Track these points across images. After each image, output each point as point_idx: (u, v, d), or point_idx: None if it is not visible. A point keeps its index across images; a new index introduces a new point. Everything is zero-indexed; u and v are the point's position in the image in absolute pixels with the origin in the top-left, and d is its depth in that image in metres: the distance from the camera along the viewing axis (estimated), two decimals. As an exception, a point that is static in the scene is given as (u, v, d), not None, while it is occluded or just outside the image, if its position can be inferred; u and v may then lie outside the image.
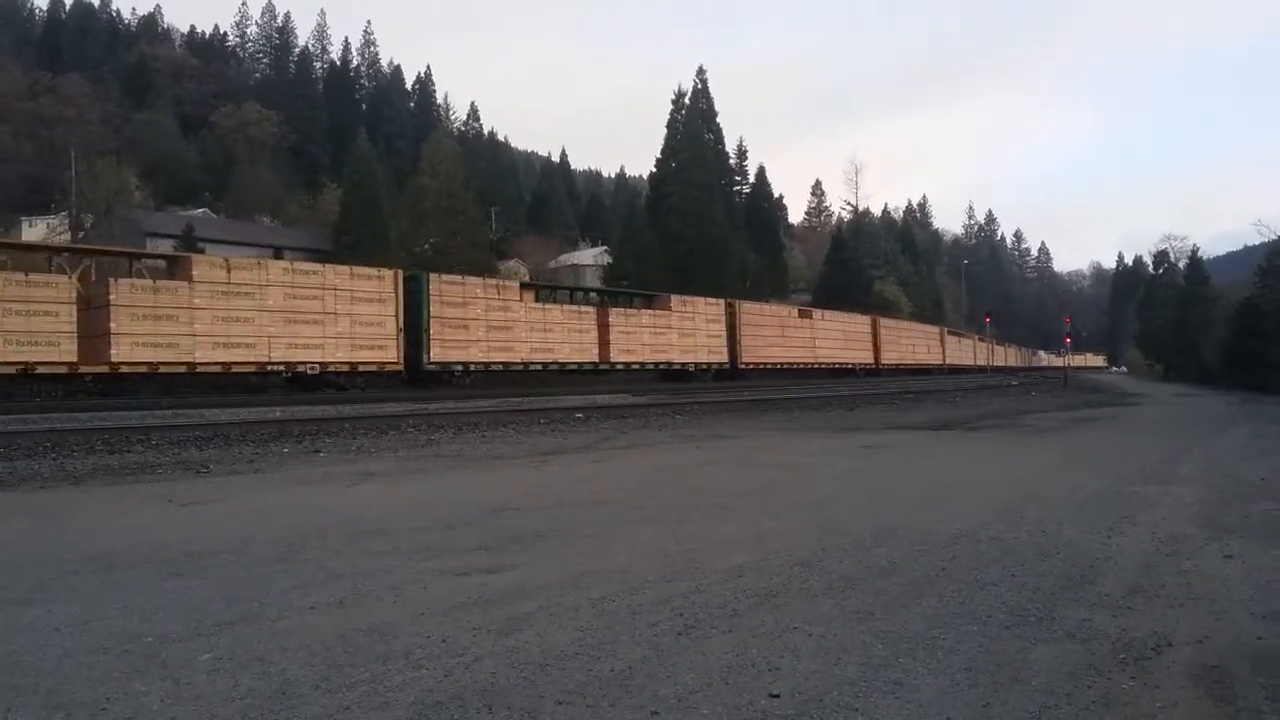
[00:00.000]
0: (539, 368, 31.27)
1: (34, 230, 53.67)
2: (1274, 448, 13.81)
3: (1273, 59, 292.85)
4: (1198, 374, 56.43)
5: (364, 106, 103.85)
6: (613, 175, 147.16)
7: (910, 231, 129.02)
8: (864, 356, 52.44)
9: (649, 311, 36.79)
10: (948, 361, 67.92)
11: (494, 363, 29.67)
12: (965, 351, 76.73)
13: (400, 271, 28.57)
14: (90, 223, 53.26)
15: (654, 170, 73.81)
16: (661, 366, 36.26)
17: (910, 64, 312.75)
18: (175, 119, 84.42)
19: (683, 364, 37.16)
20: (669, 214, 65.56)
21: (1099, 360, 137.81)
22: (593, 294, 39.85)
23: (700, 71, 79.41)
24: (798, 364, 44.86)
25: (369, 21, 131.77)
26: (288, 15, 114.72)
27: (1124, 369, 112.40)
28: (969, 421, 18.62)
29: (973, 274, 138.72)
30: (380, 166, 68.10)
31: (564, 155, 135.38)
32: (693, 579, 4.83)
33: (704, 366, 38.18)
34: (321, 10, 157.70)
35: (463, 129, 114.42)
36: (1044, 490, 8.54)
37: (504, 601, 4.37)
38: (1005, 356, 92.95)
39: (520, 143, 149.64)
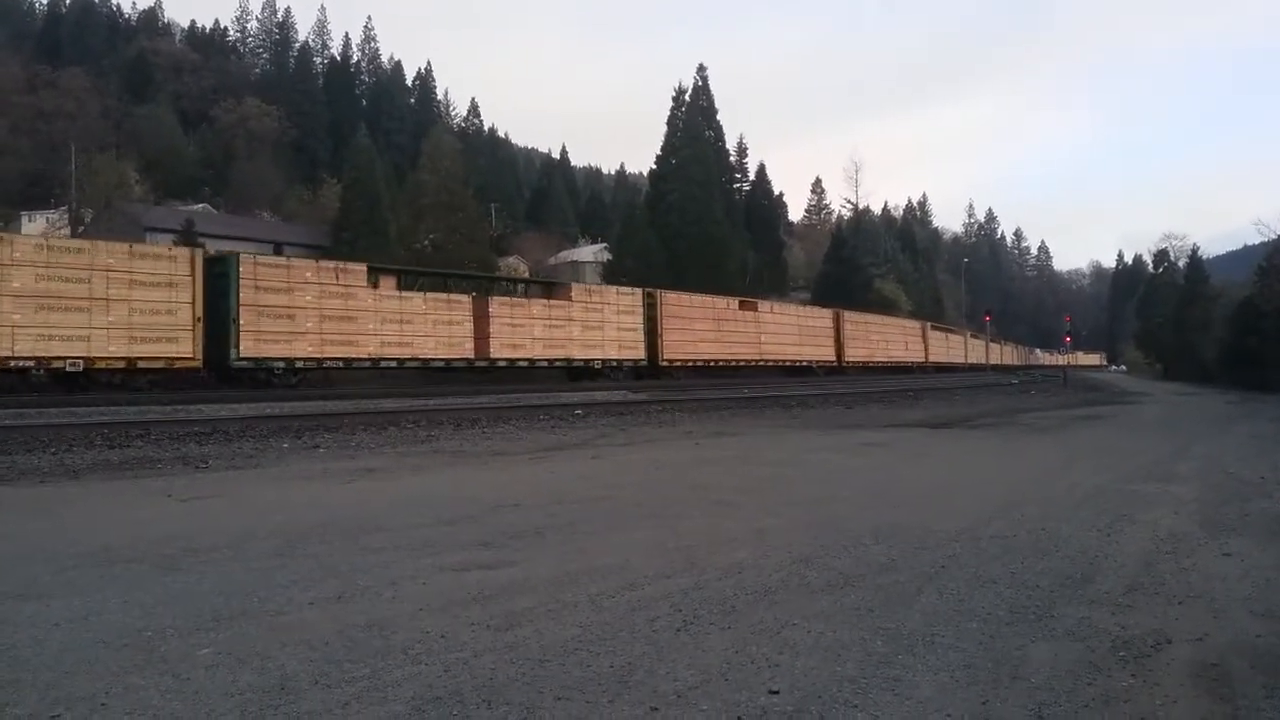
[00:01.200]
0: (393, 364, 27.19)
1: (33, 225, 53.65)
2: (1272, 447, 13.81)
3: (1273, 58, 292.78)
4: (1197, 373, 56.39)
5: (364, 102, 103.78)
6: (613, 172, 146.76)
7: (910, 230, 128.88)
8: (824, 353, 47.69)
9: (543, 301, 32.52)
10: (931, 359, 63.27)
11: (330, 358, 25.73)
12: (954, 349, 72.48)
13: (199, 251, 25.47)
14: (90, 217, 53.25)
15: (654, 167, 73.77)
16: (559, 363, 32.00)
17: (911, 62, 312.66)
18: (175, 114, 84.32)
19: (586, 360, 32.60)
20: (669, 211, 65.58)
21: (1098, 359, 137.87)
22: (474, 281, 35.21)
23: (701, 69, 79.32)
24: (738, 361, 40.19)
25: (369, 17, 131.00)
26: (288, 10, 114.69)
27: (1123, 368, 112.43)
28: (968, 419, 18.63)
29: (973, 272, 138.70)
30: (380, 162, 67.99)
31: (564, 152, 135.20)
32: (692, 575, 4.83)
33: (614, 363, 33.95)
34: (322, 5, 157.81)
35: (463, 125, 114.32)
36: (1043, 488, 8.55)
37: (503, 597, 4.37)
38: (1003, 355, 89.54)
39: (520, 139, 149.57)
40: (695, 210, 64.78)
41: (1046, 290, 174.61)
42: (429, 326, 27.92)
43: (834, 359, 48.48)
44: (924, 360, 61.60)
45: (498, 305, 30.33)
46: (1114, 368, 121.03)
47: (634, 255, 60.70)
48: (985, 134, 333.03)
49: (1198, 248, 78.39)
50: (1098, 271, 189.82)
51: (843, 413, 20.14)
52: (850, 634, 3.83)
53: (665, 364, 35.79)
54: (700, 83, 78.25)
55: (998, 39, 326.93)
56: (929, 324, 67.46)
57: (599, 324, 33.54)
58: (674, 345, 36.57)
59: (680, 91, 74.79)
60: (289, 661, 3.44)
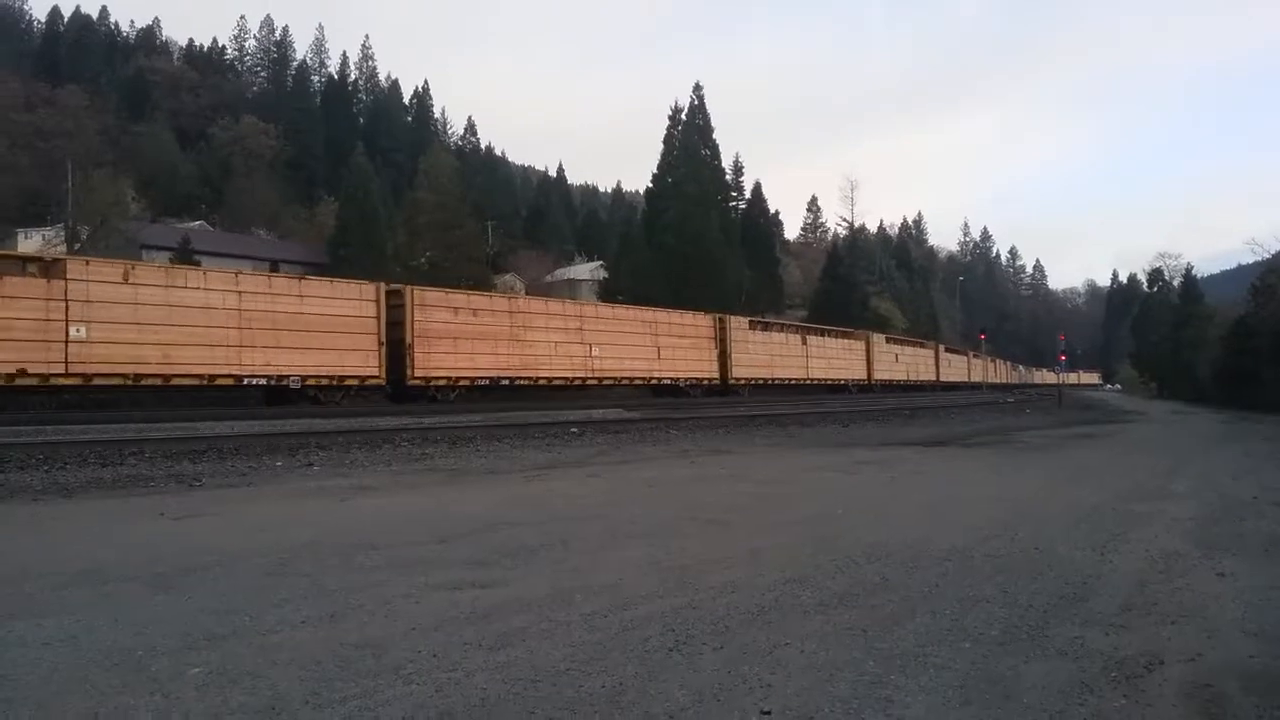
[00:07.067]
0: None
1: (30, 242, 53.63)
2: (1266, 466, 13.83)
3: (1266, 79, 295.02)
4: (1191, 392, 56.54)
5: (362, 120, 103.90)
6: (609, 190, 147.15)
7: (906, 248, 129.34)
8: (492, 361, 29.12)
9: None
10: (740, 375, 40.79)
11: None
12: (831, 359, 50.04)
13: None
14: (86, 235, 53.27)
15: (650, 186, 73.92)
16: None
17: (906, 81, 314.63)
18: (172, 132, 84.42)
19: None
20: (665, 229, 65.70)
21: (1093, 378, 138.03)
22: None
23: (697, 87, 79.28)
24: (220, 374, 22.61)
25: (367, 35, 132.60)
26: (286, 29, 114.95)
27: (1118, 386, 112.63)
28: (964, 438, 18.63)
29: (968, 291, 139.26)
30: (377, 180, 68.25)
31: (561, 170, 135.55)
32: (685, 595, 4.83)
33: None
34: (320, 24, 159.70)
35: (460, 143, 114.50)
36: (1038, 507, 8.55)
37: (496, 616, 4.36)
38: (981, 371, 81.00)
39: (517, 157, 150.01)
40: (692, 228, 64.89)
41: (1042, 309, 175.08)
42: None
43: (509, 372, 29.97)
44: (715, 376, 39.53)
45: None
46: (1109, 386, 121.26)
47: (631, 273, 60.83)
48: (980, 153, 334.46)
49: (1192, 267, 78.95)
50: (1093, 290, 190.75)
51: (839, 431, 20.14)
52: (843, 654, 3.83)
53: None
54: (696, 101, 78.37)
55: (993, 59, 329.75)
56: (746, 319, 44.15)
57: None
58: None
59: (676, 110, 74.96)
60: (280, 681, 3.42)
